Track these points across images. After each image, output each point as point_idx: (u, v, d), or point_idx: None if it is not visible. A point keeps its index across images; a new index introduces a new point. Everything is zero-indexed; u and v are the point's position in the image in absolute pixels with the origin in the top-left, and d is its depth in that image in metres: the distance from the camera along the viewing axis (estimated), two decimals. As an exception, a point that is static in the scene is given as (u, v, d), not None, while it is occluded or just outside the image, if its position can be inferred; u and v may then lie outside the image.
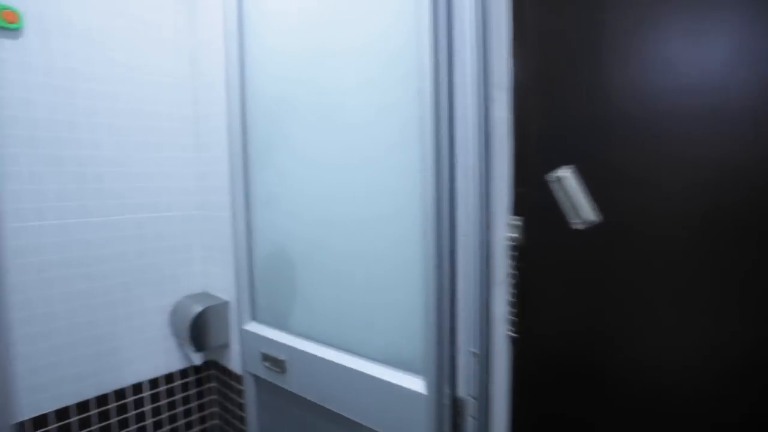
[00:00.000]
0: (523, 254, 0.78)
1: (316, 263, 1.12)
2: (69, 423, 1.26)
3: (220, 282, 1.47)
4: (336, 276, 1.07)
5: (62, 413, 1.25)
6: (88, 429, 1.30)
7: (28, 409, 1.19)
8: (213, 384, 1.58)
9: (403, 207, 0.91)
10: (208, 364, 1.56)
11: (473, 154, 0.78)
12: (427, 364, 0.85)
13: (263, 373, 1.24)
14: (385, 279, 0.96)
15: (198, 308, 1.41)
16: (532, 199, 0.77)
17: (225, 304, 1.46)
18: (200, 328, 1.42)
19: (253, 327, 1.28)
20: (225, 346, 1.49)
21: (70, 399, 1.26)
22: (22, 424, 1.18)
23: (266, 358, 1.21)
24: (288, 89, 1.15)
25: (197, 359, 1.48)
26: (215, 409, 1.59)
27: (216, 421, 1.60)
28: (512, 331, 0.80)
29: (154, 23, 1.38)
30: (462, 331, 0.83)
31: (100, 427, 1.33)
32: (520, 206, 0.78)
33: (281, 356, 1.17)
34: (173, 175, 1.45)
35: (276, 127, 1.19)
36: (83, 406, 1.28)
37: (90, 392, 1.30)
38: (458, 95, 0.80)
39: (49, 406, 1.22)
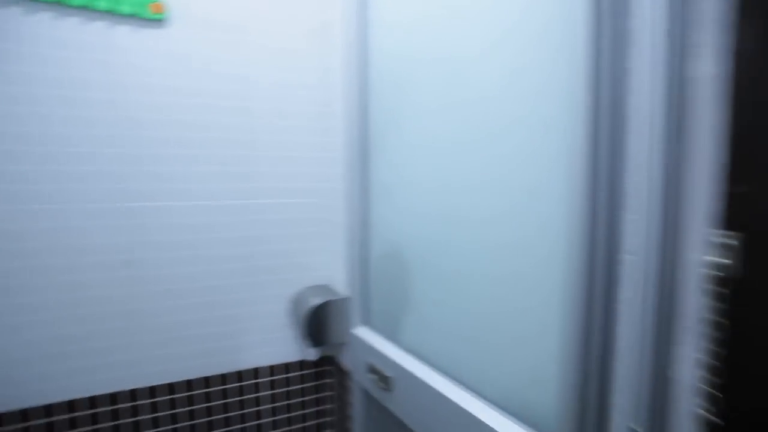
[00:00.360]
0: (739, 291, 0.49)
1: (431, 269, 0.94)
2: (193, 395, 1.32)
3: (342, 276, 1.39)
4: (453, 288, 0.87)
5: (189, 385, 1.31)
6: (210, 404, 1.34)
7: (158, 377, 1.27)
8: (330, 380, 1.52)
9: (539, 208, 0.67)
10: (326, 360, 1.51)
11: (656, 132, 0.51)
12: (563, 429, 0.60)
13: (369, 386, 1.11)
14: (513, 300, 0.73)
15: (315, 302, 1.35)
16: (763, 205, 0.47)
17: (345, 300, 1.38)
18: (317, 323, 1.36)
19: (363, 333, 1.16)
20: (343, 344, 1.41)
21: (196, 372, 1.31)
22: (153, 388, 1.26)
23: (372, 370, 1.08)
24: (404, 67, 0.98)
25: (311, 354, 1.43)
26: (331, 406, 1.53)
27: (330, 418, 1.54)
28: (707, 410, 0.51)
29: (289, 6, 1.35)
30: (619, 394, 0.56)
31: (223, 404, 1.36)
32: (737, 216, 0.48)
33: (388, 372, 1.02)
34: (302, 160, 1.41)
35: (390, 111, 1.04)
36: (206, 381, 1.33)
37: (214, 369, 1.34)
38: (636, 43, 0.53)
39: (179, 376, 1.29)
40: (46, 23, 1.09)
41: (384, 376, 1.03)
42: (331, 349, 1.48)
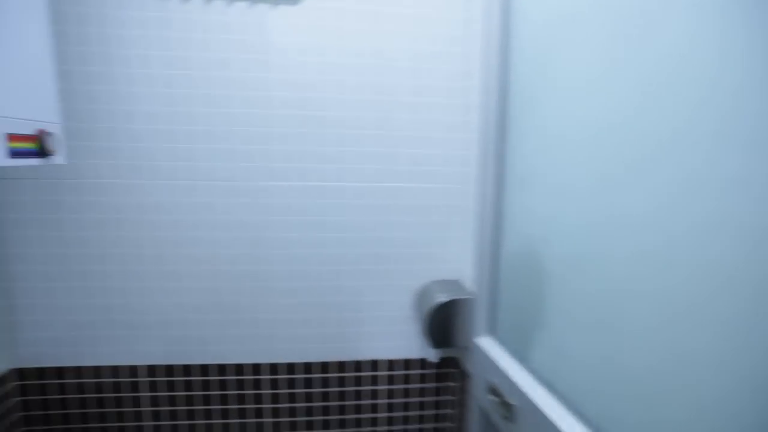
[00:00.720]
0: None
1: (577, 279, 0.72)
2: (312, 378, 1.31)
3: (473, 273, 1.23)
4: (605, 307, 0.65)
5: (308, 367, 1.30)
6: (327, 389, 1.32)
7: (279, 355, 1.29)
8: (452, 384, 1.38)
9: (751, 210, 0.41)
10: (450, 362, 1.37)
11: None
12: None
13: (489, 408, 0.94)
14: (696, 342, 0.49)
15: (440, 299, 1.21)
16: None
17: (473, 300, 1.21)
18: (440, 323, 1.23)
19: (487, 344, 0.98)
20: (468, 348, 1.25)
21: (315, 356, 1.30)
22: (275, 365, 1.29)
23: (494, 391, 0.90)
24: (557, 23, 0.75)
25: (432, 355, 1.30)
26: (451, 412, 1.40)
27: (449, 424, 1.40)
28: None
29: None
30: None
31: (339, 392, 1.33)
32: None
33: (511, 398, 0.84)
34: (438, 141, 1.27)
35: (542, 70, 0.82)
36: (325, 366, 1.31)
37: (332, 356, 1.31)
38: None
39: (298, 358, 1.29)
40: (198, 9, 1.14)
41: (506, 403, 0.85)
42: (456, 351, 1.34)
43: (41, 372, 1.21)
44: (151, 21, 1.13)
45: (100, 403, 1.24)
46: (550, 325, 0.80)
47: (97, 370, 1.22)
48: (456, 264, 1.33)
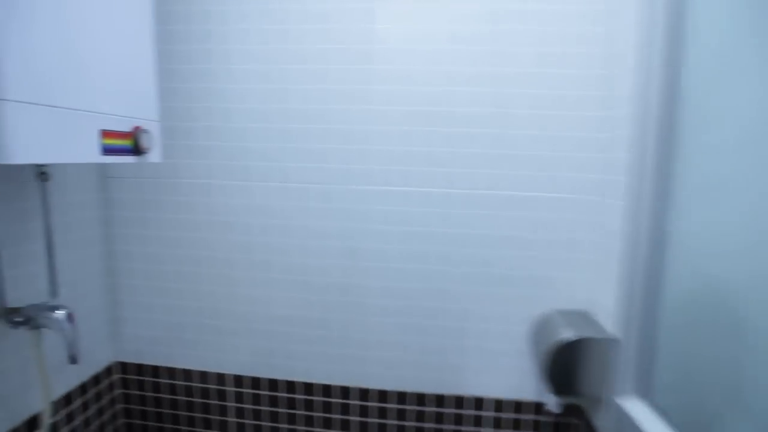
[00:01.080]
0: None
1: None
2: (405, 410, 1.15)
3: (612, 306, 0.97)
4: None
5: (401, 397, 1.15)
6: (422, 424, 1.15)
7: (371, 380, 1.15)
8: (575, 439, 1.13)
9: None
10: (573, 410, 1.12)
11: None
12: None
13: (639, 502, 0.69)
14: None
15: (565, 336, 0.97)
16: None
17: (612, 343, 0.95)
18: (564, 366, 0.99)
19: (636, 409, 0.73)
20: (600, 401, 0.99)
21: (411, 386, 1.14)
22: (366, 390, 1.15)
23: (648, 482, 0.66)
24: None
25: (552, 403, 1.06)
26: (573, 473, 1.14)
27: (570, 490, 1.15)
28: None
29: None
30: None
31: (435, 429, 1.16)
32: None
33: (679, 502, 0.59)
34: (569, 141, 1.03)
35: (738, 30, 0.56)
36: (421, 398, 1.14)
37: (429, 387, 1.14)
38: None
39: (392, 385, 1.15)
40: (294, -1, 1.05)
41: (670, 506, 0.61)
42: (583, 400, 1.08)
43: (140, 368, 1.22)
44: (252, 14, 1.06)
45: (190, 407, 1.21)
46: (759, 406, 0.54)
47: (187, 373, 1.20)
48: (586, 293, 1.08)
